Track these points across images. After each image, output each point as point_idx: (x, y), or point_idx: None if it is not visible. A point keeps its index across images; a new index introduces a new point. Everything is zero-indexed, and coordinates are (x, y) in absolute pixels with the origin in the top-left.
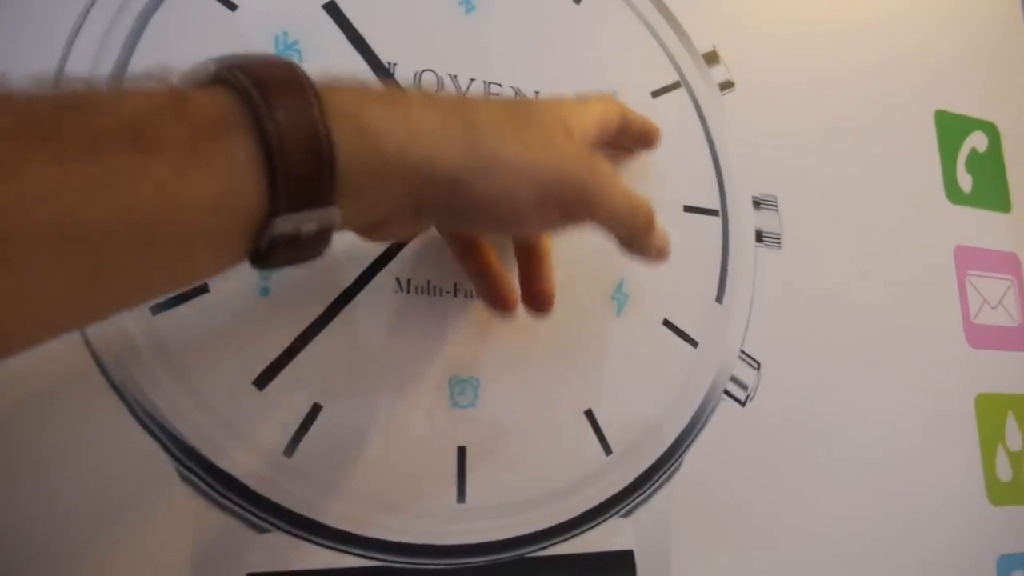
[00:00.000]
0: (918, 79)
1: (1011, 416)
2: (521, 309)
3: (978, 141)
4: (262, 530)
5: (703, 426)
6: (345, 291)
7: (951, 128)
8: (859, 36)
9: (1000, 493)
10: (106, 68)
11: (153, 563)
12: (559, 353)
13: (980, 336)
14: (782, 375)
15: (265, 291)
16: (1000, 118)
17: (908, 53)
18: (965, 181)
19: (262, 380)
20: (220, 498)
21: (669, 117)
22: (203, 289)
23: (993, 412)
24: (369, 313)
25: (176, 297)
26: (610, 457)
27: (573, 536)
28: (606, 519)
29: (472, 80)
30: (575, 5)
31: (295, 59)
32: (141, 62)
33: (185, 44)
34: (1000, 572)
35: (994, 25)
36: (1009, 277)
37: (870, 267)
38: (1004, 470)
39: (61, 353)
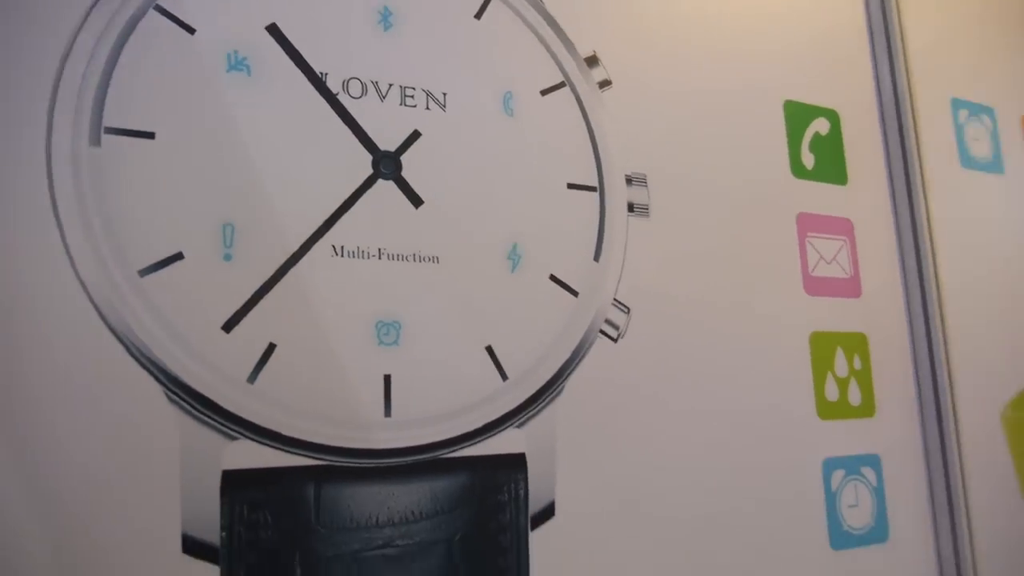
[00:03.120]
0: (770, 73)
1: (839, 349)
2: (436, 270)
3: (821, 126)
4: (232, 438)
5: (582, 358)
6: (291, 256)
7: (797, 115)
8: (720, 38)
9: (826, 410)
10: (92, 85)
11: (148, 465)
12: (465, 302)
13: (816, 286)
14: (648, 319)
15: (228, 257)
16: (840, 105)
17: (762, 51)
18: (808, 159)
19: (228, 325)
20: (198, 414)
21: (556, 111)
22: (179, 256)
23: (824, 346)
24: (310, 273)
25: (156, 263)
26: (506, 382)
27: (478, 442)
28: (503, 429)
29: (390, 85)
30: (476, 20)
31: (244, 73)
32: (118, 85)
33: (155, 64)
34: (824, 470)
35: (837, 22)
36: (843, 238)
37: (724, 231)
38: (832, 392)
39: (65, 301)
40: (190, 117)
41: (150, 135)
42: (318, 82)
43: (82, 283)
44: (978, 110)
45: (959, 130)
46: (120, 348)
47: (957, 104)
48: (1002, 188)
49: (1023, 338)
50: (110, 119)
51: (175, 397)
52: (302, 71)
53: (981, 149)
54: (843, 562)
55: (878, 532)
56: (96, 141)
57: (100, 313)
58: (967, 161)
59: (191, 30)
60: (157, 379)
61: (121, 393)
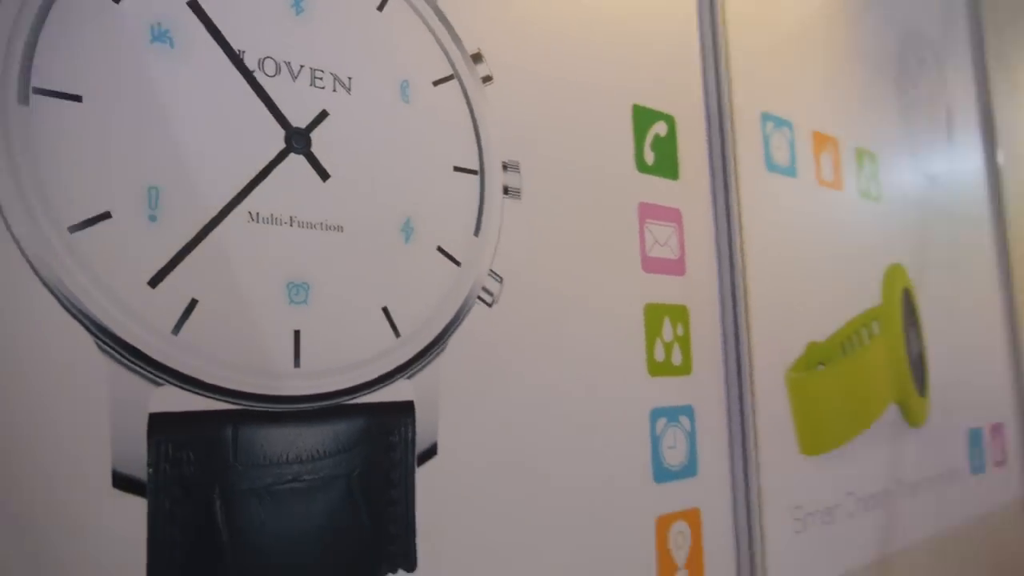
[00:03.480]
0: (623, 80)
1: (666, 319)
2: (340, 238)
3: (660, 128)
4: (158, 384)
5: (463, 319)
6: (211, 219)
7: (643, 117)
8: (585, 48)
9: (655, 368)
10: (19, 46)
11: (80, 408)
12: (365, 268)
13: (651, 264)
14: (518, 288)
15: (153, 218)
16: (677, 112)
17: (616, 61)
18: (649, 156)
19: (154, 281)
20: (127, 362)
21: (444, 101)
22: (107, 215)
23: (655, 316)
24: (229, 236)
25: (85, 221)
26: (399, 339)
27: (374, 390)
28: (396, 380)
29: (301, 66)
30: (379, 12)
31: (167, 45)
32: (45, 48)
33: (81, 30)
34: (651, 418)
35: (678, 41)
36: (673, 224)
37: (581, 214)
38: (659, 354)
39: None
40: (116, 84)
41: (77, 98)
42: (236, 59)
43: (14, 238)
44: (781, 123)
45: (766, 139)
46: (53, 300)
47: (766, 117)
48: (795, 189)
49: (803, 312)
50: (38, 80)
51: (105, 346)
52: (221, 47)
53: (781, 156)
54: (663, 492)
55: (690, 468)
56: (24, 100)
57: (33, 267)
58: (771, 166)
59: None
60: (88, 330)
61: (54, 343)
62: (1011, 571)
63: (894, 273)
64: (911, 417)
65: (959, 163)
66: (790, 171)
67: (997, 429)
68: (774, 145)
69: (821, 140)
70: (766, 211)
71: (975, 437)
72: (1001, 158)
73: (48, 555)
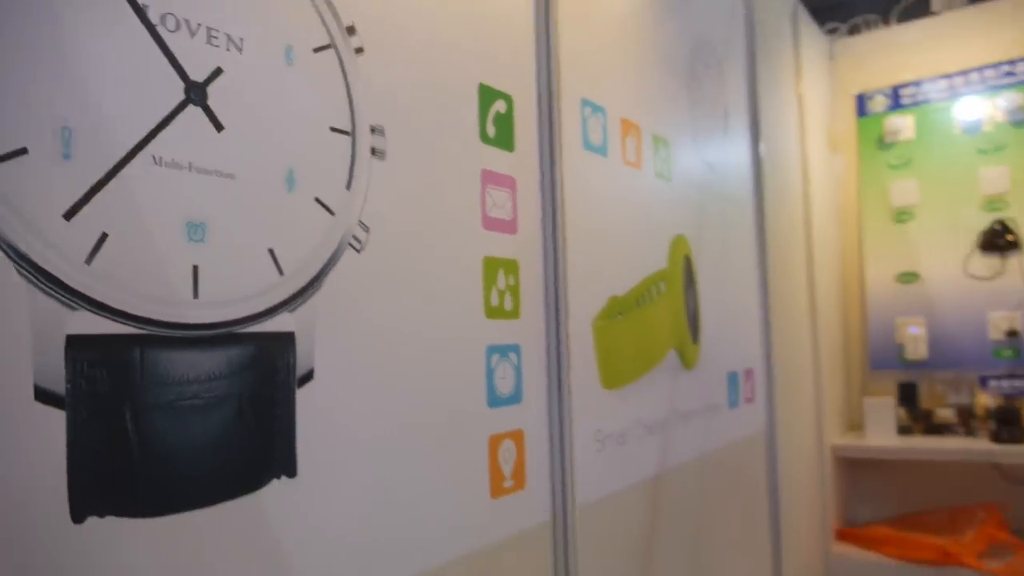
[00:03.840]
0: (472, 61)
1: (500, 270)
2: (232, 185)
3: (501, 106)
4: (74, 309)
5: (336, 262)
6: (119, 161)
7: (487, 95)
8: (443, 30)
9: (491, 312)
10: None
11: (6, 331)
12: (254, 213)
13: (489, 223)
14: (382, 236)
15: (67, 156)
16: (514, 92)
17: (467, 44)
18: (491, 130)
19: (68, 215)
20: (45, 288)
21: (322, 67)
22: (24, 151)
23: (491, 268)
24: (135, 177)
25: (4, 155)
26: (283, 277)
27: (261, 321)
28: (280, 313)
29: (199, 24)
30: None
31: None
32: None
33: None
34: (487, 354)
35: (517, 29)
36: (508, 190)
37: (434, 176)
38: (495, 300)
39: None
40: (31, 27)
41: None
42: (140, 12)
43: None
44: (597, 109)
45: (584, 122)
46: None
47: (585, 103)
48: (606, 167)
49: (608, 270)
50: None
51: (25, 272)
52: (127, 1)
53: (596, 137)
54: (495, 416)
55: (516, 397)
56: None
57: None
58: (587, 145)
59: None
60: (8, 256)
61: None
62: (754, 483)
63: (678, 242)
64: (686, 360)
65: (731, 152)
66: (602, 151)
67: (749, 373)
68: (590, 127)
69: (628, 126)
70: (582, 184)
71: (733, 379)
72: (762, 149)
73: None
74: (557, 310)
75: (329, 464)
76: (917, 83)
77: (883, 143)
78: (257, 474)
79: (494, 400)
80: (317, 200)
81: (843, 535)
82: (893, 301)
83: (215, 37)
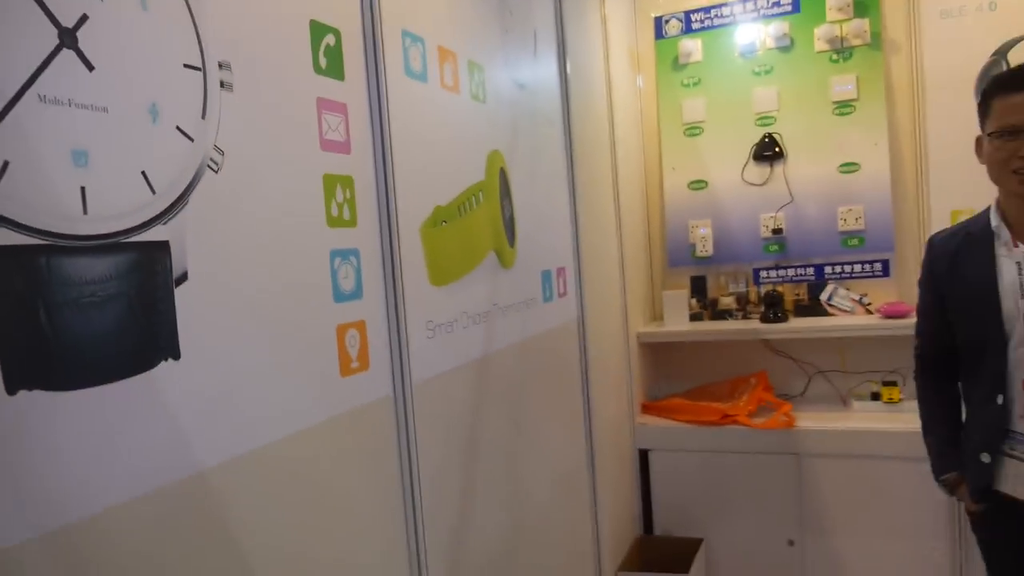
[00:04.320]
0: None
1: (338, 185)
2: (106, 118)
3: (330, 39)
4: None
5: (198, 181)
6: (9, 101)
7: (317, 31)
8: None
9: (332, 222)
10: None
11: None
12: (125, 141)
13: (326, 145)
14: (235, 158)
15: None
16: (342, 26)
17: None
18: (323, 62)
19: None
20: None
21: (172, 11)
22: None
23: (330, 183)
24: (26, 113)
25: None
26: (155, 195)
27: (140, 232)
28: (155, 226)
29: None
30: None
31: None
32: None
33: None
34: (331, 257)
35: None
36: (341, 115)
37: (277, 104)
38: (334, 211)
39: None
40: None
41: None
42: None
43: None
44: (416, 39)
45: (405, 51)
46: None
47: (405, 34)
48: (426, 91)
49: (432, 184)
50: None
51: None
52: None
53: (416, 65)
54: (340, 309)
55: (357, 293)
56: None
57: None
58: (408, 72)
59: None
60: None
61: None
62: (569, 365)
63: (494, 157)
64: (504, 261)
65: (541, 72)
66: (422, 77)
67: (561, 271)
68: (411, 56)
69: (444, 53)
70: (406, 108)
71: (547, 276)
72: (569, 68)
73: None
74: (389, 219)
75: (206, 348)
76: (706, 9)
77: (677, 64)
78: (149, 357)
79: (339, 296)
80: (178, 128)
81: (646, 408)
82: (686, 206)
83: None
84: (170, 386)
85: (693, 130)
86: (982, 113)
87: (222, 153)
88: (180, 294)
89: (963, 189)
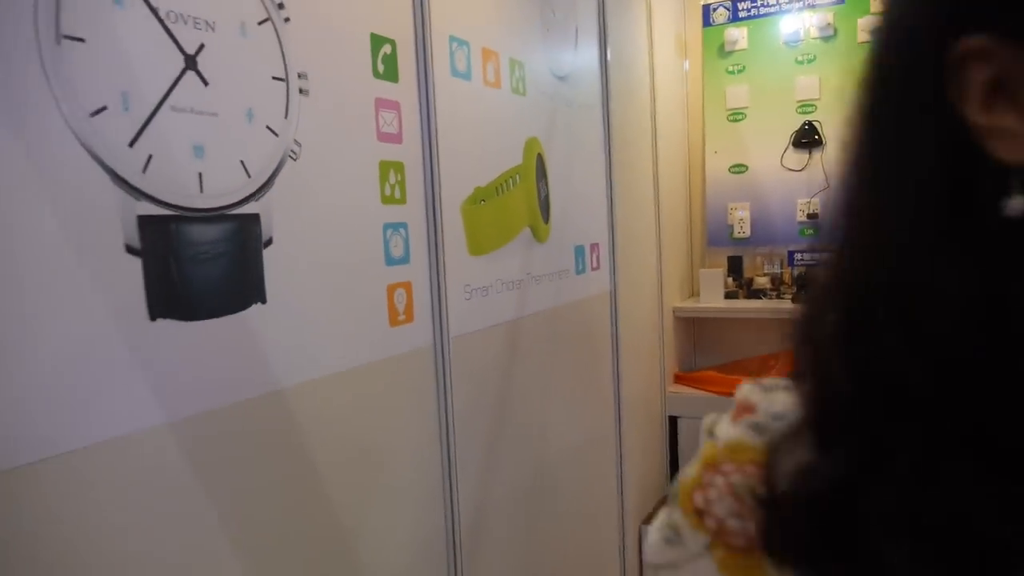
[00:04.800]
0: (364, 12)
1: (391, 170)
2: (216, 120)
3: (387, 48)
4: (139, 200)
5: (282, 168)
6: (153, 109)
7: (376, 41)
8: None
9: (385, 200)
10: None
11: (107, 214)
12: (229, 138)
13: (382, 136)
14: (310, 148)
15: (126, 109)
16: (397, 37)
17: (361, 6)
18: (380, 68)
19: (131, 144)
20: (124, 188)
21: (264, 35)
22: (104, 108)
23: (385, 168)
24: (162, 121)
25: (95, 111)
26: (250, 179)
27: (239, 207)
28: (249, 202)
29: (188, 15)
30: None
31: (118, 6)
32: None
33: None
34: (383, 229)
35: None
36: (395, 112)
37: (343, 105)
38: (387, 191)
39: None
40: (106, 26)
41: (81, 40)
42: (155, 12)
43: (65, 119)
44: (462, 43)
45: (451, 55)
46: (88, 156)
47: (452, 39)
48: (470, 88)
49: (473, 167)
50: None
51: (114, 180)
52: (149, 8)
53: (462, 66)
54: (391, 272)
55: (406, 259)
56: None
57: (76, 137)
58: (454, 73)
59: None
60: (106, 171)
61: (77, 181)
62: (601, 334)
63: (531, 143)
64: (538, 236)
65: (580, 64)
66: (467, 76)
67: (595, 247)
68: (457, 58)
69: (488, 54)
70: (451, 104)
71: (580, 250)
72: (609, 56)
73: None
74: (433, 198)
75: (285, 296)
76: None
77: (723, 51)
78: (244, 300)
79: (390, 261)
80: (267, 127)
81: (679, 378)
82: (726, 189)
83: (198, 22)
84: (258, 323)
85: (736, 115)
86: None
87: (300, 145)
88: (267, 254)
89: None
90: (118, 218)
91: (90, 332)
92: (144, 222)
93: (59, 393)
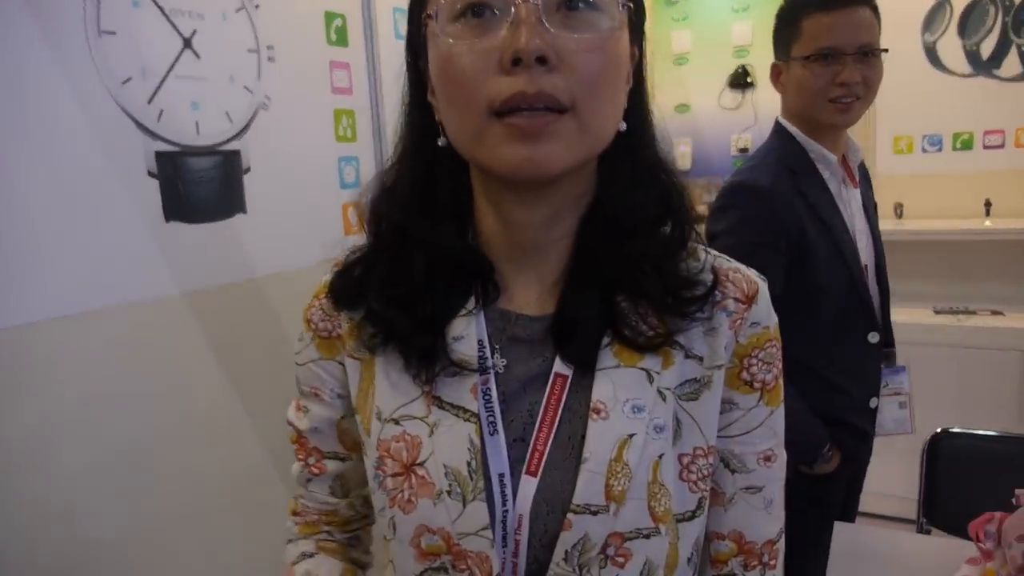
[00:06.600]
0: None
1: (344, 116)
2: (209, 86)
3: (339, 21)
4: (155, 140)
5: (257, 115)
6: (162, 78)
7: (330, 16)
8: None
9: (339, 139)
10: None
11: (137, 151)
12: (216, 96)
13: (336, 91)
14: (278, 101)
15: (130, 79)
16: (346, 10)
17: None
18: (333, 36)
19: (148, 101)
20: (145, 132)
21: (241, 18)
22: (130, 79)
23: (339, 114)
24: (169, 85)
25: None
26: (232, 124)
27: (225, 145)
28: (232, 142)
29: (183, 9)
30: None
31: (138, 7)
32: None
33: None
34: (338, 162)
35: None
36: (345, 70)
37: (301, 66)
38: (341, 132)
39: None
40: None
41: (113, 32)
42: (164, 13)
43: (113, 96)
44: (403, 11)
45: (395, 22)
46: (131, 124)
47: (396, 10)
48: None
49: None
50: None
51: (138, 126)
52: (160, 10)
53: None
54: (344, 193)
55: (356, 183)
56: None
57: (124, 110)
58: (398, 36)
59: None
60: (132, 120)
61: (115, 127)
62: None
63: None
64: None
65: None
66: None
67: None
68: (400, 25)
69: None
70: (393, 61)
71: None
72: None
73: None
74: (380, 136)
75: (261, 209)
76: None
77: (669, 1)
78: (230, 210)
79: (343, 185)
80: (245, 87)
81: None
82: (671, 126)
83: (192, 14)
84: (241, 227)
85: (680, 60)
86: (786, 36)
87: (270, 99)
88: (247, 179)
89: (905, 117)
90: (142, 152)
91: (125, 227)
92: (159, 156)
93: (105, 266)
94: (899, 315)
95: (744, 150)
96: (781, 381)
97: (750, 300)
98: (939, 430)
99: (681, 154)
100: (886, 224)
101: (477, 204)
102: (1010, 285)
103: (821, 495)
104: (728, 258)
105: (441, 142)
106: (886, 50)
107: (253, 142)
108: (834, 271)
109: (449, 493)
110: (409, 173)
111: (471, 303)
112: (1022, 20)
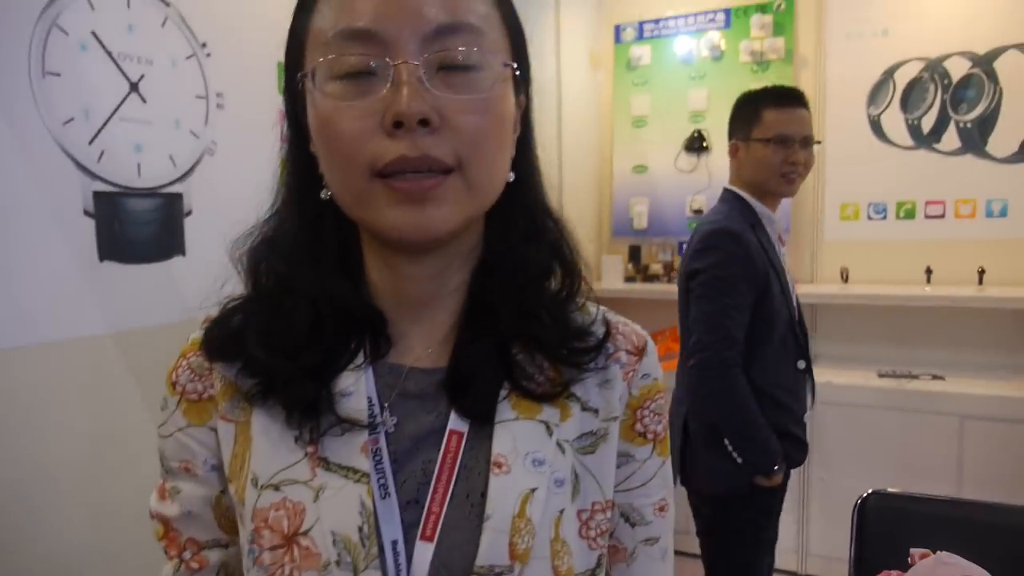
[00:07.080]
0: (272, 50)
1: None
2: (155, 130)
3: None
4: (94, 180)
5: (202, 160)
6: (105, 121)
7: (281, 67)
8: (255, 34)
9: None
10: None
11: (76, 194)
12: (162, 141)
13: (283, 139)
14: (224, 148)
15: (73, 121)
16: None
17: (269, 40)
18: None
19: (90, 143)
20: (85, 173)
21: (190, 66)
22: (72, 119)
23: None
24: (112, 128)
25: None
26: (176, 168)
27: (167, 188)
28: (175, 184)
29: (132, 54)
30: (161, 28)
31: (87, 51)
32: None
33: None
34: None
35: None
36: None
37: (252, 117)
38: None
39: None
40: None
41: (56, 74)
42: (109, 54)
43: (50, 133)
44: None
45: None
46: (68, 161)
47: None
48: None
49: None
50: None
51: (78, 167)
52: (104, 51)
53: None
54: None
55: None
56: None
57: (61, 147)
58: None
59: None
60: (73, 162)
61: (52, 166)
62: None
63: None
64: None
65: None
66: None
67: None
68: None
69: None
70: None
71: None
72: None
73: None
74: None
75: (200, 251)
76: (656, 21)
77: (630, 65)
78: (169, 252)
79: None
80: (191, 132)
81: None
82: (629, 186)
83: (140, 59)
84: (178, 269)
85: (639, 122)
86: (746, 119)
87: (216, 144)
88: (187, 222)
89: (852, 185)
90: (79, 192)
91: (59, 264)
92: (97, 195)
93: (36, 303)
94: (843, 377)
95: (699, 211)
96: (669, 432)
97: (640, 352)
98: (870, 491)
99: (638, 213)
100: (832, 288)
101: (366, 256)
102: (951, 350)
103: (771, 503)
104: (615, 313)
105: (324, 195)
106: (819, 141)
107: (197, 186)
108: (781, 306)
109: (338, 563)
110: (293, 222)
111: (359, 357)
112: (960, 98)
